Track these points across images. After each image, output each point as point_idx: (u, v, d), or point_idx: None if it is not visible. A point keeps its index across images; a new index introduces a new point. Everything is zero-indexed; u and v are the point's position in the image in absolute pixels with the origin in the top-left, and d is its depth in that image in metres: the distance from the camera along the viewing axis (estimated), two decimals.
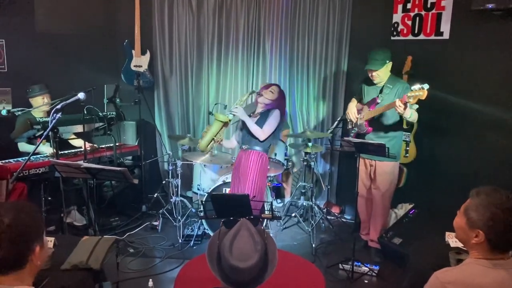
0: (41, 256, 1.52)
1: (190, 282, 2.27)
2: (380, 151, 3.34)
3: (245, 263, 1.47)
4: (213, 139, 3.69)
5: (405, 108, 3.37)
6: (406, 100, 3.31)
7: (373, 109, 3.75)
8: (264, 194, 3.81)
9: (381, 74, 3.70)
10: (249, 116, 3.72)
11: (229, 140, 3.98)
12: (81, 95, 3.02)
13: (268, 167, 3.83)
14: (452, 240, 2.77)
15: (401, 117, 3.66)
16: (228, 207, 2.72)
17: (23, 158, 3.91)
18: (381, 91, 3.75)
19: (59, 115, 2.87)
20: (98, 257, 2.30)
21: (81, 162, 2.73)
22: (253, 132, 3.63)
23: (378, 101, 3.73)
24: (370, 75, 3.75)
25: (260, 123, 3.64)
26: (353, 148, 3.50)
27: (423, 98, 3.24)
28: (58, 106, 2.91)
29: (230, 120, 3.72)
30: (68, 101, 2.98)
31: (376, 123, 3.78)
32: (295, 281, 2.32)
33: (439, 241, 2.81)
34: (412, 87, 3.31)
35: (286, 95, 5.11)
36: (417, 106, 3.49)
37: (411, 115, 3.50)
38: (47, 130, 2.86)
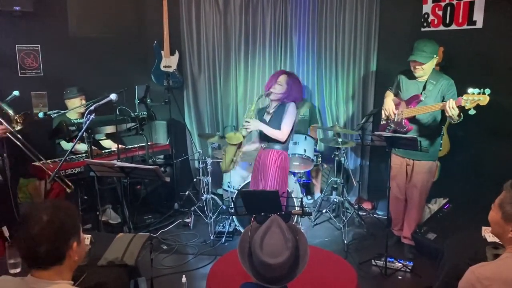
0: (78, 252, 1.58)
1: (222, 278, 2.30)
2: (412, 145, 3.26)
3: (275, 260, 1.48)
4: (232, 159, 3.67)
5: (459, 114, 3.13)
6: (461, 103, 3.03)
7: (414, 106, 3.51)
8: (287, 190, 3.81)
9: (426, 68, 3.44)
10: (264, 114, 3.70)
11: (251, 143, 3.95)
12: (113, 96, 3.09)
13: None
14: (488, 234, 2.69)
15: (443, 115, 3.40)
16: (258, 204, 2.73)
17: (60, 159, 4.03)
18: (424, 87, 3.51)
19: (92, 116, 2.95)
20: (133, 253, 2.36)
21: (114, 162, 2.82)
22: (273, 137, 3.58)
23: (422, 98, 3.49)
24: (412, 67, 3.50)
25: (275, 121, 3.58)
26: (384, 142, 3.43)
27: (484, 104, 2.95)
28: (92, 108, 3.00)
29: (244, 137, 3.63)
30: (101, 102, 3.06)
31: (417, 122, 3.56)
32: (327, 277, 2.32)
33: (475, 235, 2.74)
34: (469, 90, 3.02)
35: (314, 90, 5.17)
36: (474, 111, 3.04)
37: (461, 119, 3.22)
38: (82, 131, 2.95)
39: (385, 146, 3.50)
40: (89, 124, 2.93)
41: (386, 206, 4.72)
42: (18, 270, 2.25)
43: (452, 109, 3.11)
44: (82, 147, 4.23)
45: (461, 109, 3.14)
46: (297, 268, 1.55)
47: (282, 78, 3.58)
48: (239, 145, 3.64)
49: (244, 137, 3.63)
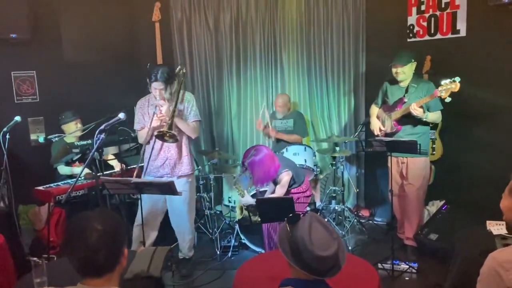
0: (126, 258, 1.63)
1: (249, 283, 2.35)
2: (411, 148, 3.42)
3: (328, 252, 1.58)
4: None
5: (418, 111, 3.56)
6: (437, 94, 3.44)
7: (400, 108, 3.84)
8: None
9: (406, 71, 3.81)
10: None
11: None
12: (121, 115, 3.13)
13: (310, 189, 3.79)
14: (494, 228, 2.81)
15: None
16: (272, 211, 2.81)
17: (63, 182, 4.03)
18: (406, 90, 3.85)
19: (102, 135, 2.99)
20: (157, 265, 2.40)
21: (130, 178, 2.86)
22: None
23: (405, 100, 3.82)
24: (395, 73, 3.84)
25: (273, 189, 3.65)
26: (384, 147, 3.58)
27: (456, 90, 3.36)
28: (102, 127, 3.04)
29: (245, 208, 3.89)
30: (110, 122, 3.10)
31: (404, 121, 3.86)
32: (351, 276, 2.39)
33: (481, 230, 2.86)
34: (443, 81, 3.42)
35: (306, 104, 5.30)
36: (450, 99, 3.50)
37: (427, 116, 3.65)
38: (93, 151, 2.98)
39: (381, 153, 3.74)
40: (99, 143, 2.97)
41: (384, 212, 4.90)
42: None
43: (414, 109, 3.57)
44: (80, 170, 4.24)
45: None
46: (339, 258, 1.64)
47: (247, 167, 3.46)
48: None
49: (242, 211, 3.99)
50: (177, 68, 3.66)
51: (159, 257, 2.47)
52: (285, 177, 3.45)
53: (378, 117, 4.12)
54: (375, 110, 4.19)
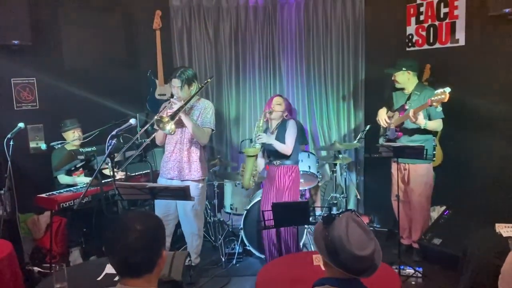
0: (164, 260, 1.62)
1: (272, 285, 2.35)
2: (418, 153, 3.49)
3: (366, 251, 1.60)
4: (252, 173, 3.81)
5: (416, 119, 3.65)
6: (430, 104, 3.54)
7: (402, 115, 3.93)
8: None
9: (399, 79, 3.95)
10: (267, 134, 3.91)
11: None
12: (132, 121, 3.14)
13: (301, 180, 3.95)
14: (503, 230, 2.88)
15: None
16: (287, 215, 2.83)
17: (66, 190, 3.98)
18: (409, 98, 3.94)
19: (114, 141, 2.98)
20: (178, 269, 2.39)
21: (145, 183, 2.84)
22: (281, 152, 3.77)
23: (406, 107, 3.91)
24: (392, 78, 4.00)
25: (280, 137, 3.80)
26: (391, 153, 3.64)
27: (446, 100, 3.46)
28: (113, 133, 3.03)
29: (259, 150, 3.87)
30: (121, 127, 3.09)
31: (406, 128, 3.94)
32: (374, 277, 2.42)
33: (491, 232, 2.92)
34: (435, 91, 3.54)
35: (305, 112, 5.37)
36: (440, 108, 3.72)
37: (426, 124, 3.72)
38: (105, 157, 2.97)
39: (381, 159, 3.85)
40: (111, 149, 2.96)
41: (383, 218, 4.95)
42: None
43: (412, 117, 3.63)
44: (82, 179, 4.20)
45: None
46: (376, 257, 1.67)
47: (278, 99, 3.91)
48: (256, 157, 3.82)
49: (259, 150, 3.86)
50: (208, 79, 3.82)
51: (179, 261, 2.46)
52: (293, 123, 3.84)
53: (389, 118, 4.16)
54: (384, 109, 4.25)
